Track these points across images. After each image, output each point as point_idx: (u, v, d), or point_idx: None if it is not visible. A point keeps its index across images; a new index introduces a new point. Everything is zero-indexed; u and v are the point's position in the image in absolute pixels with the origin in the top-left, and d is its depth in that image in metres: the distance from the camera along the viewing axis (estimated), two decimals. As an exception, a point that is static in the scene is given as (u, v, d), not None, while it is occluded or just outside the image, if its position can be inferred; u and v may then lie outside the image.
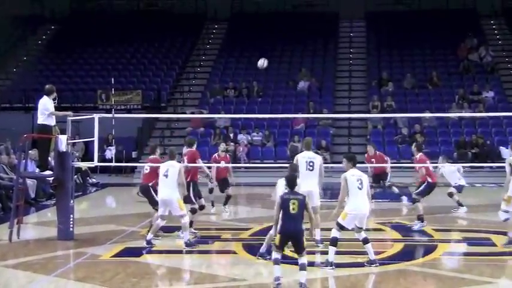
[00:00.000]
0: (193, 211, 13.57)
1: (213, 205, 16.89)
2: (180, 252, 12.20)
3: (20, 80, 32.33)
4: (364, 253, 10.80)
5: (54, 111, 13.32)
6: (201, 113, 28.17)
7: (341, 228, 10.58)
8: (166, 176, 12.42)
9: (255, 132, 27.35)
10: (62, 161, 13.23)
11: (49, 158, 14.51)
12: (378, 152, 18.68)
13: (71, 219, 13.08)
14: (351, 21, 35.52)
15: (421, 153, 14.92)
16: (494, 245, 12.63)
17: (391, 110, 27.50)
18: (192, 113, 28.35)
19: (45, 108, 13.17)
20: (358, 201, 10.58)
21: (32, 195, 18.61)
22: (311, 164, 12.39)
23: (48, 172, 14.07)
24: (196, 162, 13.99)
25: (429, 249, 12.63)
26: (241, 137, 26.87)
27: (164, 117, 29.24)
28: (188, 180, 13.37)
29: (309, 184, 12.00)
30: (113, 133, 25.19)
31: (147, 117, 27.60)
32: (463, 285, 9.89)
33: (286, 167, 12.14)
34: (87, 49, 33.90)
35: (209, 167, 16.05)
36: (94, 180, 24.33)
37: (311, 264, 10.05)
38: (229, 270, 10.93)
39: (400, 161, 24.39)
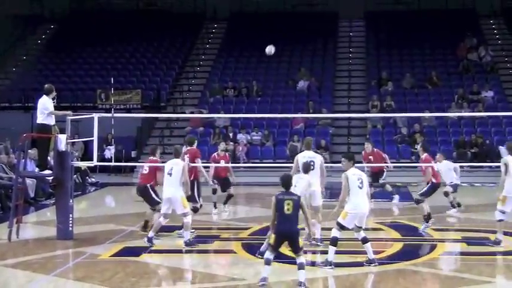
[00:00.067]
0: (195, 210, 13.58)
1: (215, 206, 16.81)
2: (179, 251, 12.20)
3: (19, 79, 32.34)
4: (364, 252, 10.79)
5: (54, 111, 13.32)
6: (201, 112, 28.17)
7: (341, 227, 10.55)
8: (170, 174, 12.42)
9: (255, 131, 27.35)
10: (62, 161, 13.22)
11: (48, 158, 14.51)
12: (375, 149, 18.70)
13: (70, 218, 13.08)
14: (351, 20, 35.55)
15: (426, 154, 14.84)
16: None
17: (391, 110, 27.51)
18: (192, 112, 28.35)
19: (45, 108, 13.17)
20: (358, 201, 10.56)
21: (32, 195, 18.60)
22: (312, 163, 12.42)
23: (47, 171, 14.07)
24: (196, 162, 13.98)
25: (428, 249, 12.66)
26: (241, 136, 26.87)
27: (164, 117, 29.23)
28: (192, 179, 13.38)
29: (310, 184, 12.05)
30: (113, 133, 25.22)
31: (146, 116, 27.63)
32: (462, 285, 9.89)
33: (285, 167, 12.17)
34: (86, 49, 33.91)
35: (206, 167, 15.98)
36: (93, 179, 24.29)
37: (311, 264, 10.04)
38: (228, 270, 10.93)
39: (399, 161, 24.41)
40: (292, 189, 10.53)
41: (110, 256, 11.73)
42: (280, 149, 26.30)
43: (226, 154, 17.92)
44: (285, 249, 9.96)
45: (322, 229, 12.25)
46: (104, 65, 32.97)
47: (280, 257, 10.25)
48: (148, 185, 13.24)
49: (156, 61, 33.29)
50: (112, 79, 28.93)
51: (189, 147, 14.36)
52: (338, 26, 35.18)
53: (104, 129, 21.17)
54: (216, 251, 12.59)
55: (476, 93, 28.67)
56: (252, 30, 33.54)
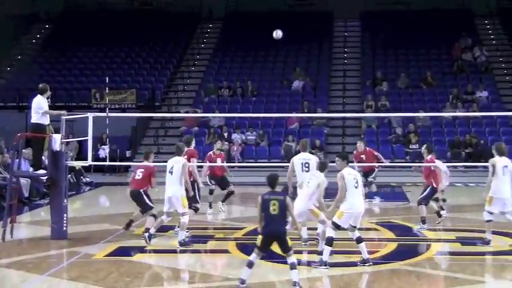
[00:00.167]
0: (195, 210, 13.58)
1: (210, 206, 16.80)
2: (174, 251, 12.19)
3: (14, 79, 32.29)
4: (358, 252, 10.80)
5: (48, 110, 13.31)
6: (196, 112, 28.15)
7: (337, 227, 10.55)
8: (171, 172, 12.42)
9: (249, 131, 27.36)
10: (56, 160, 13.20)
11: (43, 157, 14.46)
12: (368, 148, 18.72)
13: (65, 218, 13.07)
14: (346, 20, 35.58)
15: (431, 155, 14.77)
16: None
17: (385, 110, 27.57)
18: (187, 112, 28.32)
19: (39, 107, 13.15)
20: (354, 200, 10.57)
21: (26, 195, 18.57)
22: (306, 165, 12.46)
23: (41, 171, 14.03)
24: (191, 161, 13.94)
25: (423, 249, 12.68)
26: (236, 136, 26.87)
27: (158, 117, 29.21)
28: (192, 180, 13.33)
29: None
30: (107, 132, 25.20)
31: (141, 116, 27.60)
32: (456, 285, 9.90)
33: (280, 167, 12.18)
34: (81, 48, 33.87)
35: (200, 166, 15.92)
36: (88, 179, 24.28)
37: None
38: (223, 270, 10.94)
39: (394, 161, 24.45)
40: (305, 186, 10.64)
41: (104, 256, 11.72)
42: (275, 149, 26.31)
43: (222, 153, 17.90)
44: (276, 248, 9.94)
45: (308, 229, 12.25)
46: (99, 65, 32.93)
47: (273, 257, 10.27)
48: (141, 190, 13.18)
49: (151, 61, 33.27)
50: (107, 79, 28.92)
51: (186, 148, 14.33)
52: (333, 26, 35.20)
53: (99, 128, 21.13)
54: (211, 251, 12.58)
55: (471, 93, 28.72)
56: (247, 30, 33.54)
